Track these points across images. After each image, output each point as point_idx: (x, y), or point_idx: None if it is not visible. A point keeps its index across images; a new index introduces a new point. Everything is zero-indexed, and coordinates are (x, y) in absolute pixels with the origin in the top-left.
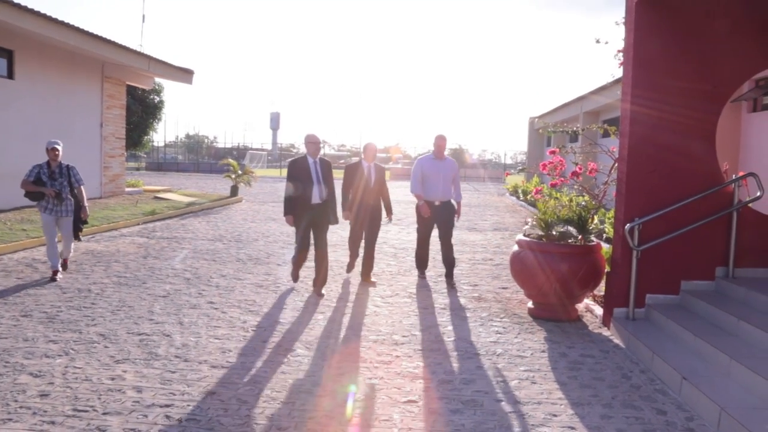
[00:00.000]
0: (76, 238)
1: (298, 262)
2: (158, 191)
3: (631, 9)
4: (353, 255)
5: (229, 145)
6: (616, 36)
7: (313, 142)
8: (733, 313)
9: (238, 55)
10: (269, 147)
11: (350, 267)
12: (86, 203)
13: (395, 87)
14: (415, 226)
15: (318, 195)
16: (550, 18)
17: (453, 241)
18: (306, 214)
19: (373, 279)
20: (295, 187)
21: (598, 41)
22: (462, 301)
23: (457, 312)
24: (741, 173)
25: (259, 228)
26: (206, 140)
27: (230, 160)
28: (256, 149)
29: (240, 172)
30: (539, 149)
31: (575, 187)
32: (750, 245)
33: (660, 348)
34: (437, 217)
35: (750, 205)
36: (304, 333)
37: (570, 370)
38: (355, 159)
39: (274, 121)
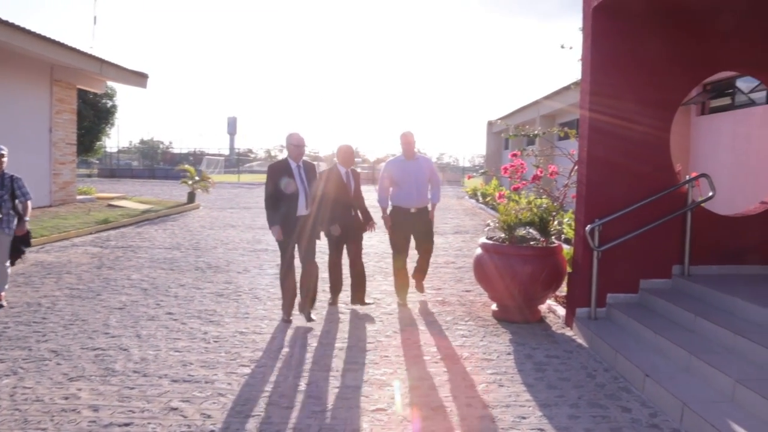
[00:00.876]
0: (12, 262)
1: (287, 287)
2: (112, 198)
3: (587, 16)
4: (337, 283)
5: (184, 151)
6: (579, 41)
7: (296, 145)
8: (691, 310)
9: (193, 59)
10: (226, 152)
11: (335, 299)
12: (28, 218)
13: (352, 90)
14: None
15: (304, 204)
16: (505, 23)
17: (414, 243)
18: (292, 227)
19: (368, 300)
20: (277, 196)
21: (563, 47)
22: (426, 305)
23: (422, 317)
24: (694, 174)
25: (218, 235)
26: (161, 146)
27: (187, 166)
28: (213, 155)
29: (197, 178)
30: (497, 152)
31: (533, 189)
32: (704, 244)
33: (622, 346)
34: (414, 227)
35: (703, 204)
36: (269, 342)
37: (536, 372)
38: (323, 164)
39: (231, 126)
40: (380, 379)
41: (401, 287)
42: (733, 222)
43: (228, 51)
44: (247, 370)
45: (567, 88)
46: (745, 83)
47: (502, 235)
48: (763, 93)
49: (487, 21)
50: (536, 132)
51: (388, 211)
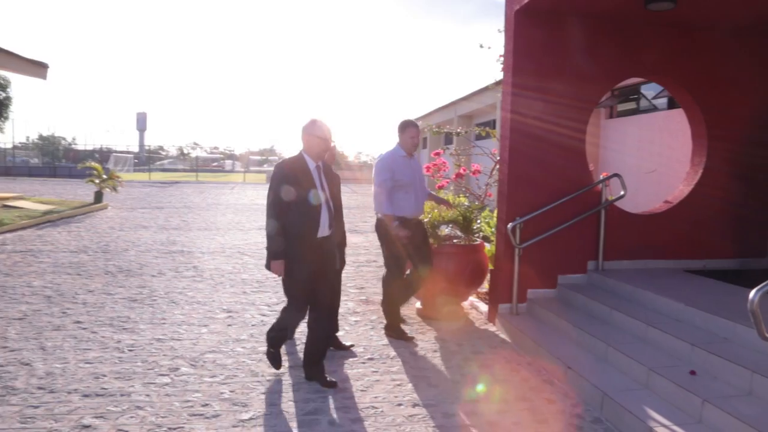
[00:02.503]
0: None
1: (291, 326)
2: (8, 198)
3: (510, 19)
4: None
5: (90, 147)
6: (498, 42)
7: (323, 137)
8: (606, 303)
9: (99, 52)
10: (136, 149)
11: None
12: None
13: (269, 87)
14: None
15: (327, 222)
16: (427, 26)
17: None
18: (311, 256)
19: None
20: (290, 211)
21: (481, 46)
22: (350, 305)
23: (346, 317)
24: (605, 174)
25: (129, 237)
26: (63, 142)
27: (93, 163)
28: (121, 152)
29: (105, 176)
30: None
31: (451, 188)
32: (616, 240)
33: (544, 340)
34: (413, 240)
35: (615, 203)
36: (188, 349)
37: (462, 368)
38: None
39: (141, 122)
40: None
41: (397, 321)
42: (642, 220)
43: (136, 44)
44: (167, 380)
45: (484, 90)
46: (649, 90)
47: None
48: (665, 99)
49: (410, 24)
50: (458, 131)
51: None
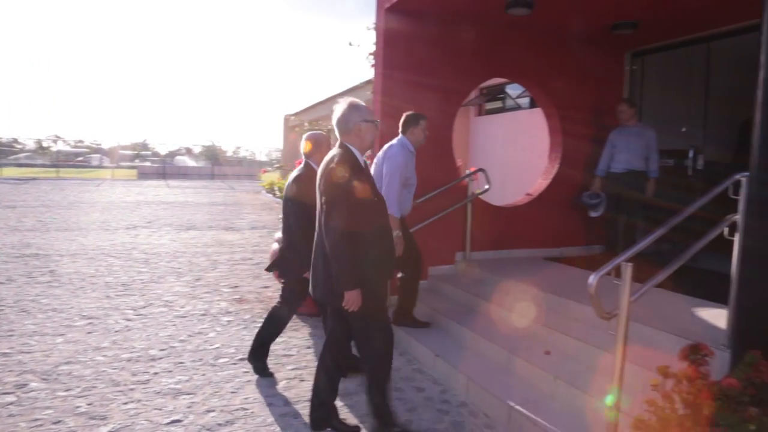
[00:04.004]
0: None
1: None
2: None
3: (380, 16)
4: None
5: None
6: (370, 39)
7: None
8: (472, 292)
9: None
10: None
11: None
12: None
13: (145, 81)
14: None
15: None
16: (308, 22)
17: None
18: (387, 277)
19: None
20: (366, 226)
21: (351, 44)
22: (222, 304)
23: (219, 317)
24: (473, 169)
25: None
26: None
27: None
28: None
29: None
30: (295, 146)
31: None
32: (482, 231)
33: (414, 330)
34: (407, 237)
35: (480, 196)
36: (40, 362)
37: None
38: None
39: None
40: (175, 389)
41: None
42: (506, 212)
43: None
44: (11, 398)
45: (361, 87)
46: (513, 90)
47: None
48: (528, 99)
49: (291, 19)
50: (330, 127)
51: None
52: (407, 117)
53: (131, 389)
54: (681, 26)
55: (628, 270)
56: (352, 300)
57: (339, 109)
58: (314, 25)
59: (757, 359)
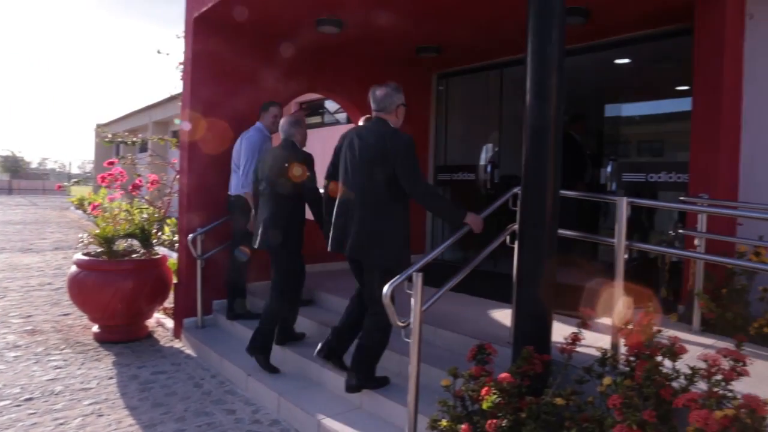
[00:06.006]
0: None
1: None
2: None
3: (189, 24)
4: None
5: None
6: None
7: None
8: None
9: None
10: None
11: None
12: None
13: None
14: None
15: None
16: (124, 26)
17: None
18: None
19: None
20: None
21: (159, 52)
22: (10, 338)
23: (3, 353)
24: None
25: None
26: None
27: None
28: None
29: None
30: (108, 158)
31: (136, 200)
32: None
33: (227, 351)
34: None
35: None
36: None
37: (141, 392)
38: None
39: None
40: None
41: None
42: (312, 223)
43: None
44: None
45: (178, 97)
46: (331, 104)
47: (100, 248)
48: (345, 114)
49: (105, 22)
50: (134, 139)
51: None
52: (262, 105)
53: None
54: (478, 53)
55: (419, 279)
56: (475, 223)
57: (382, 88)
58: (131, 29)
59: (530, 354)
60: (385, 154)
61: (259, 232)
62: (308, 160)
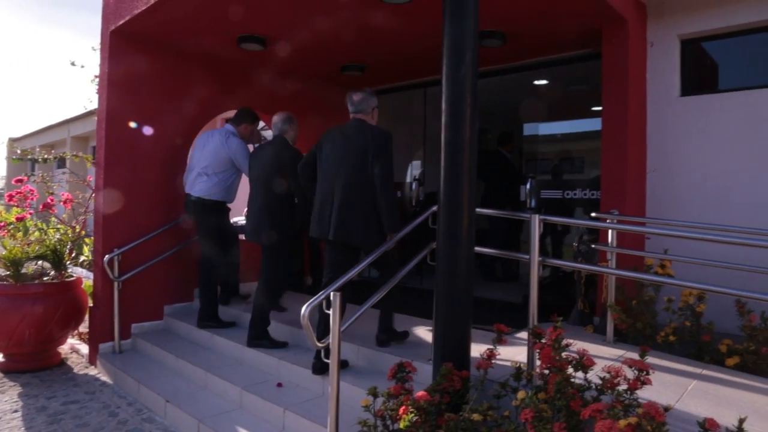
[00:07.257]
0: None
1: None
2: None
3: (105, 37)
4: None
5: None
6: (96, 60)
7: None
8: (208, 329)
9: None
10: None
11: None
12: None
13: None
14: None
15: None
16: (41, 34)
17: None
18: None
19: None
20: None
21: (73, 63)
22: None
23: None
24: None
25: None
26: None
27: None
28: None
29: None
30: (21, 174)
31: (53, 219)
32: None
33: (145, 376)
34: None
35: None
36: None
37: (49, 425)
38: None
39: None
40: None
41: None
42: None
43: None
44: None
45: (93, 112)
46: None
47: (6, 272)
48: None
49: (19, 30)
50: (47, 156)
51: None
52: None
53: None
54: (401, 73)
55: (337, 299)
56: (393, 239)
57: (359, 94)
58: (49, 38)
59: (449, 370)
60: (368, 149)
61: (251, 226)
62: (299, 157)
